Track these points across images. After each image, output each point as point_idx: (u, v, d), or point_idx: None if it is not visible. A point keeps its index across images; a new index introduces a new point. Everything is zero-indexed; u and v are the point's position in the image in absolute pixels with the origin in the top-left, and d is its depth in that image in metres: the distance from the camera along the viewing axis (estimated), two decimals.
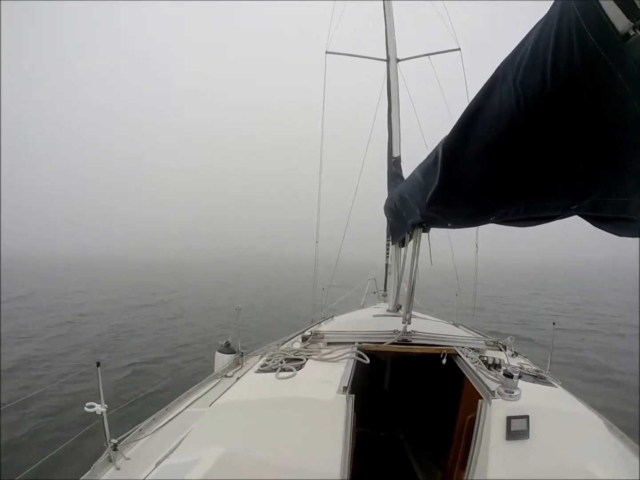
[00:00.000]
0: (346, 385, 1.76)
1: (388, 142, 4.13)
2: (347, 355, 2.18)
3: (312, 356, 2.21)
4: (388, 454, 3.28)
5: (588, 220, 1.28)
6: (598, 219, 1.23)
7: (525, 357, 2.76)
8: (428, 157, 1.69)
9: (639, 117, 0.83)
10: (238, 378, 2.31)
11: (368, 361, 2.13)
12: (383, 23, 4.71)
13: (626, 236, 1.26)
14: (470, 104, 1.16)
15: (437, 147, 1.48)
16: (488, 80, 1.08)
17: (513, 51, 0.97)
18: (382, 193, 3.73)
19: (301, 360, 2.14)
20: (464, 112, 1.20)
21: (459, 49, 5.35)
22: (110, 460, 1.82)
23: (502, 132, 1.04)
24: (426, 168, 1.70)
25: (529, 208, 1.33)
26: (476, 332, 3.36)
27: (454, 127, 1.27)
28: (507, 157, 1.11)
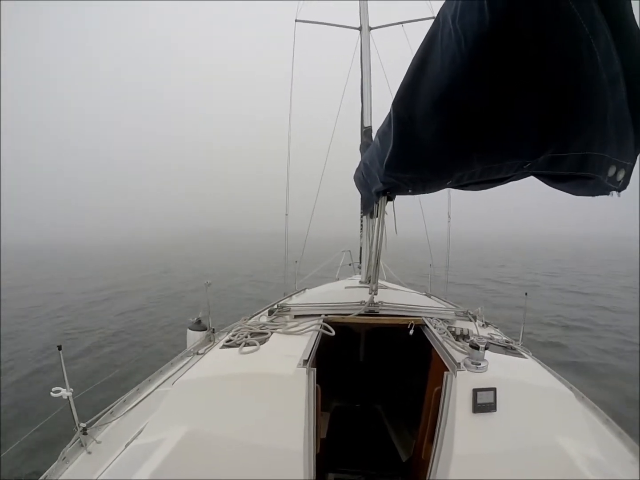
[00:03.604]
0: (306, 359, 1.72)
1: (360, 112, 4.08)
2: (313, 327, 2.15)
3: (278, 330, 2.18)
4: (366, 425, 3.33)
5: (543, 181, 1.21)
6: (553, 178, 1.15)
7: (496, 328, 2.74)
8: (384, 121, 1.64)
9: (591, 48, 0.67)
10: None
11: (333, 333, 2.11)
12: None
13: (583, 195, 1.20)
14: (415, 55, 1.11)
15: (390, 109, 1.42)
16: (431, 27, 1.02)
17: None
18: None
19: (266, 334, 2.11)
20: (410, 65, 1.14)
21: (434, 17, 5.19)
22: (82, 445, 1.77)
23: (448, 81, 0.97)
24: (383, 131, 1.66)
25: (484, 170, 1.26)
26: (448, 303, 3.38)
27: (402, 82, 1.21)
28: (457, 109, 1.04)
